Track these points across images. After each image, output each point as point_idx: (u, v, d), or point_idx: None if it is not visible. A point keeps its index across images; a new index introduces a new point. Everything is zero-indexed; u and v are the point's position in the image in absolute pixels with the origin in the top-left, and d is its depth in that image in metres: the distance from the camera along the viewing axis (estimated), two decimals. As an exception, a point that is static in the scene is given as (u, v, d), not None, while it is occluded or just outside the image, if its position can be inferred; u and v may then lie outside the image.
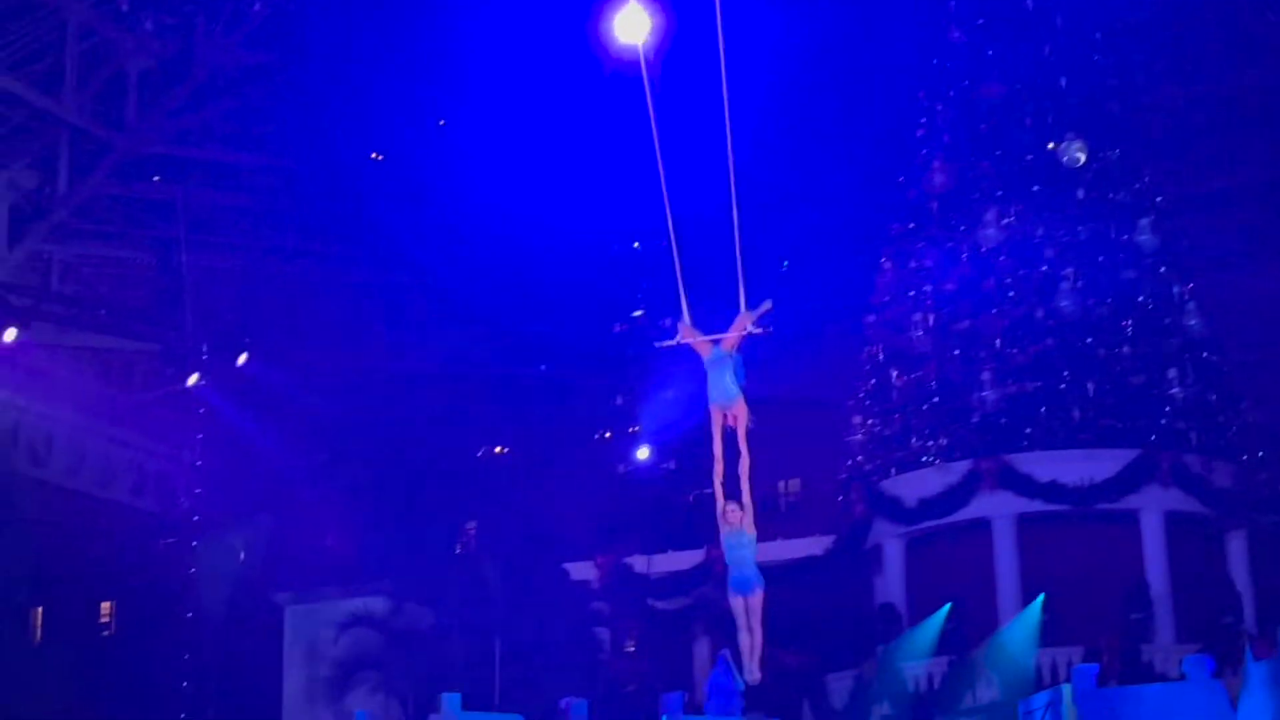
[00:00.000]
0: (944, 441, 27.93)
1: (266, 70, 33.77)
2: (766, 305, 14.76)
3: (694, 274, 15.71)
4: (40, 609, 37.24)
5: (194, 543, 33.96)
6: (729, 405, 14.56)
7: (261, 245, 35.75)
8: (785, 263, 34.18)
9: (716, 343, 14.82)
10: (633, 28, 16.67)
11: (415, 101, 33.95)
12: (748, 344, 14.96)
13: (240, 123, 34.54)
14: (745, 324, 14.71)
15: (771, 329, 14.64)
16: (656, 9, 17.62)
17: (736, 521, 14.43)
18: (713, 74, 16.44)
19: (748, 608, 14.46)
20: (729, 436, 14.51)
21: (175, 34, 31.54)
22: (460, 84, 33.68)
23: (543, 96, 32.04)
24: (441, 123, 35.12)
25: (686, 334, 15.12)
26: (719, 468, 14.56)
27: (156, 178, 34.36)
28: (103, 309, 33.33)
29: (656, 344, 15.92)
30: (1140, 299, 28.16)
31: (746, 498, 14.42)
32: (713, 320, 14.98)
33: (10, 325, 30.01)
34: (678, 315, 15.18)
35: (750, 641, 14.41)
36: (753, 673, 14.32)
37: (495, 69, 32.65)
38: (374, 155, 35.15)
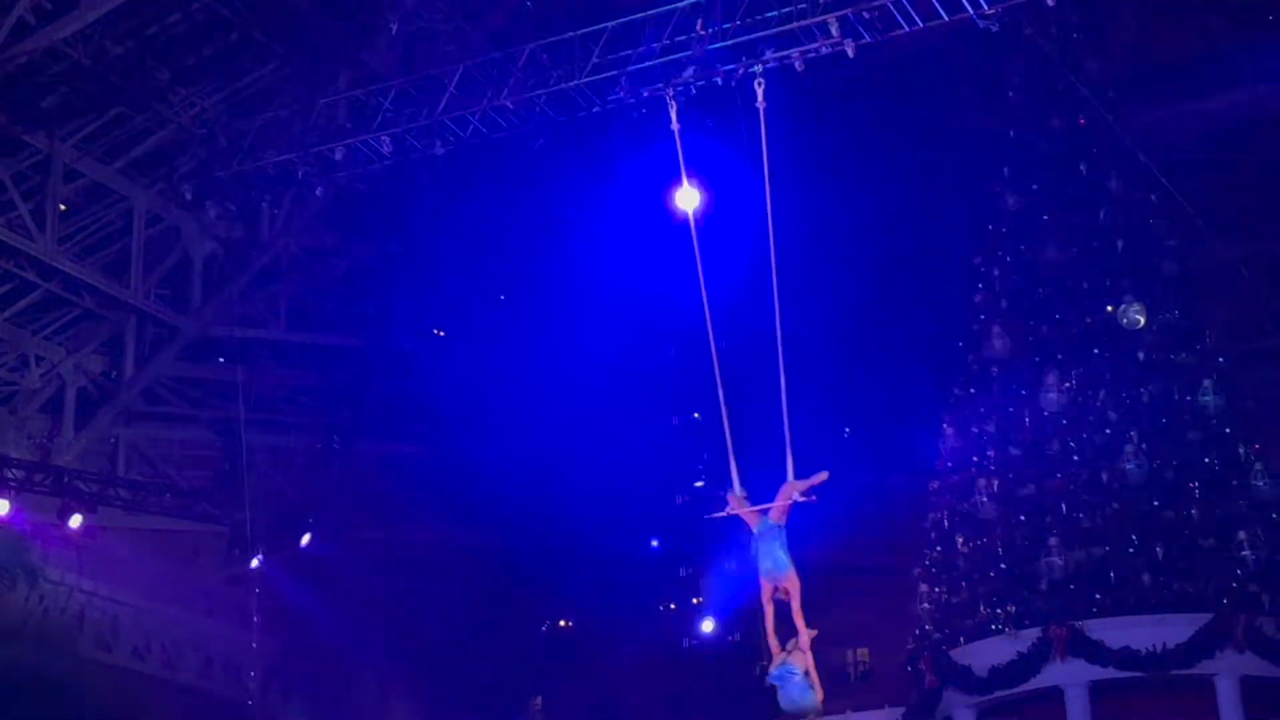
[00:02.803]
0: (1013, 609, 27.54)
1: (328, 252, 34.25)
2: (822, 476, 14.45)
3: (751, 443, 15.57)
4: (107, 792, 37.03)
5: (258, 724, 33.80)
6: (780, 578, 14.15)
7: (322, 424, 36.02)
8: (847, 430, 34.16)
9: (765, 513, 14.48)
10: (687, 201, 17.47)
11: (477, 276, 34.27)
12: (806, 513, 14.67)
13: (301, 303, 34.97)
14: (792, 493, 14.35)
15: (815, 497, 14.29)
16: (704, 186, 18.01)
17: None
18: (768, 246, 16.64)
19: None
20: (782, 610, 14.14)
21: (238, 220, 32.01)
22: (520, 259, 34.03)
23: (601, 268, 32.30)
24: (502, 297, 35.42)
25: (735, 503, 14.83)
26: (773, 643, 14.18)
27: (221, 359, 34.73)
28: (168, 491, 33.47)
29: (706, 516, 15.71)
30: (1206, 460, 27.89)
31: (814, 676, 13.99)
32: (768, 491, 14.73)
33: (77, 511, 30.17)
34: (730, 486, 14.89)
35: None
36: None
37: (555, 245, 33.00)
38: (436, 331, 35.45)
